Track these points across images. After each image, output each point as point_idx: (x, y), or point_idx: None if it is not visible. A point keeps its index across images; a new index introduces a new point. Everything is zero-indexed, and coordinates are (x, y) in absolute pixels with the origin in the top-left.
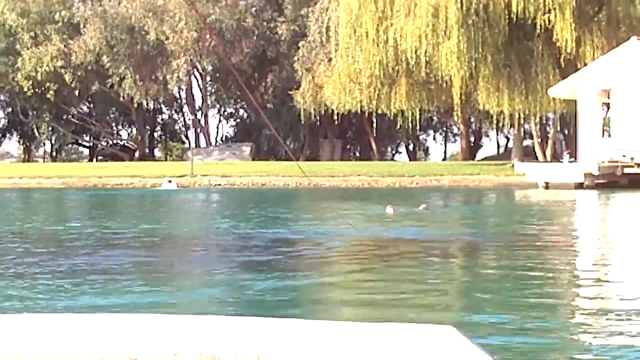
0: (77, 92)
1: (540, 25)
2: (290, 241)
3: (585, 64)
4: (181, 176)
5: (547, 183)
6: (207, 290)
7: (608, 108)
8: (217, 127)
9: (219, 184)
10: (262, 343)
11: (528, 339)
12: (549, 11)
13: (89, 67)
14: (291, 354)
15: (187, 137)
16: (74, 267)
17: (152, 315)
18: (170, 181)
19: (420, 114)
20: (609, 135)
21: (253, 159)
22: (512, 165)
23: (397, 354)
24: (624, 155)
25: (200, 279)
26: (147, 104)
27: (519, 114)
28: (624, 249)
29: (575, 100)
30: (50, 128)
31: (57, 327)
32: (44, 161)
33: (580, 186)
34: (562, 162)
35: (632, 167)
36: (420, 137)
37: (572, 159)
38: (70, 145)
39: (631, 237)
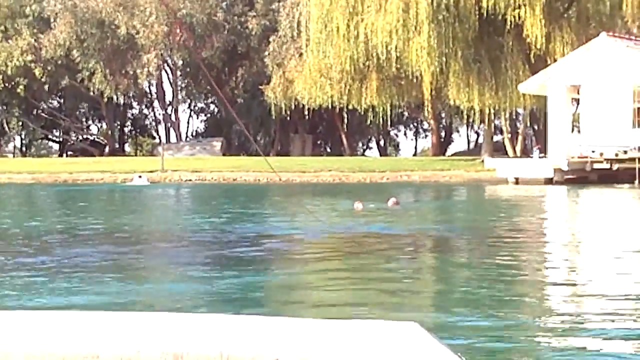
0: (47, 87)
1: (511, 21)
2: (257, 237)
3: (555, 60)
4: (152, 171)
5: (517, 178)
6: (173, 285)
7: (578, 104)
8: (188, 122)
9: (190, 179)
10: (225, 340)
11: (493, 337)
12: (519, 7)
13: (59, 62)
14: (255, 351)
15: (157, 132)
16: (44, 262)
17: (114, 312)
18: (140, 177)
19: (390, 110)
20: (579, 131)
21: (224, 154)
22: (482, 161)
23: (362, 351)
24: (593, 151)
25: (166, 273)
26: (117, 98)
27: (489, 110)
28: (591, 245)
29: (545, 96)
30: (20, 123)
31: (15, 324)
32: (14, 156)
33: (549, 181)
34: (532, 157)
35: (602, 162)
36: (391, 133)
37: (542, 155)
38: (40, 141)
39: (597, 232)
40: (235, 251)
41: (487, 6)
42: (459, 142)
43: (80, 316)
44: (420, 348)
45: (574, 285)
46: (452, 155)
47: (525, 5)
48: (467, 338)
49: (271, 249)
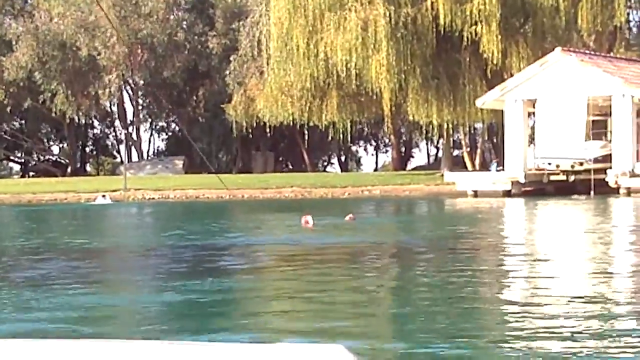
0: (9, 109)
1: (468, 38)
2: (205, 251)
3: (512, 75)
4: (114, 190)
5: (475, 191)
6: (123, 297)
7: (534, 117)
8: (149, 141)
9: (153, 198)
10: None
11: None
12: (476, 23)
13: (21, 84)
14: None
15: (118, 151)
16: (12, 278)
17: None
18: (104, 196)
19: (351, 126)
20: (535, 144)
21: (186, 172)
22: (442, 175)
23: None
24: (549, 163)
25: (123, 286)
26: (79, 119)
27: (448, 125)
28: (545, 257)
29: (502, 110)
30: None
31: None
32: None
33: (507, 194)
34: (490, 170)
35: (558, 174)
36: (352, 148)
37: (500, 168)
38: (0, 162)
39: (552, 243)
40: (185, 265)
41: (444, 23)
42: (420, 156)
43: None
44: None
45: (524, 300)
46: (412, 169)
47: (481, 22)
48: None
49: (215, 261)
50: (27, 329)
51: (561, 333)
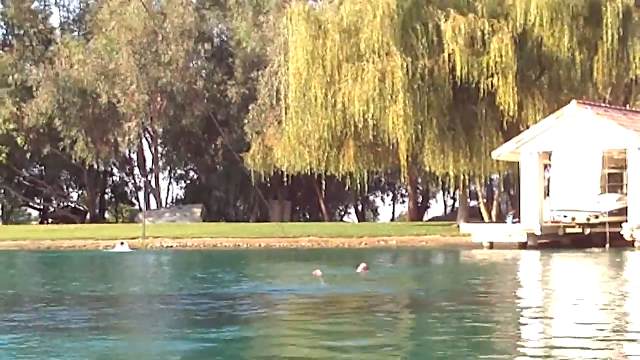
0: (28, 155)
1: (484, 89)
2: (224, 299)
3: (528, 127)
4: (133, 238)
5: (491, 243)
6: (146, 342)
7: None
8: (168, 189)
9: (171, 246)
10: None
11: None
12: (492, 75)
13: (41, 130)
14: None
15: (137, 198)
16: (34, 323)
17: None
18: (122, 243)
19: (368, 176)
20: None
21: (204, 220)
22: (458, 226)
23: None
24: (565, 216)
25: (143, 332)
26: (98, 166)
27: (464, 176)
28: (560, 309)
29: (518, 162)
30: (1, 190)
31: None
32: None
33: (523, 246)
34: (506, 222)
35: (574, 227)
36: (369, 198)
37: (516, 220)
38: (19, 208)
39: (566, 295)
40: (201, 313)
41: (461, 75)
42: (436, 207)
43: None
44: None
45: (543, 349)
46: (429, 220)
47: (497, 74)
48: None
49: (231, 310)
50: None
51: None
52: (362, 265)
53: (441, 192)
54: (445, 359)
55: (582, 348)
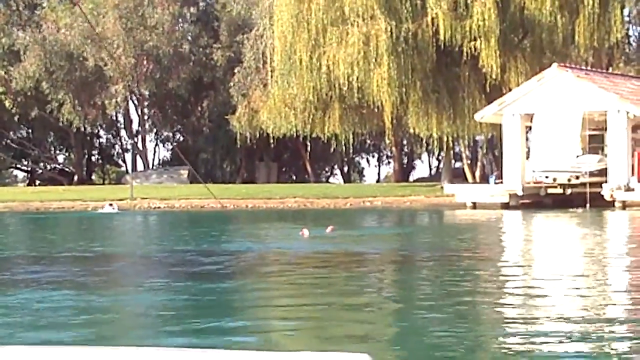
0: (16, 118)
1: (467, 53)
2: (211, 256)
3: (510, 89)
4: (121, 199)
5: (474, 203)
6: (134, 296)
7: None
8: (155, 151)
9: (159, 207)
10: None
11: None
12: (475, 39)
13: (29, 93)
14: None
15: (124, 160)
16: (28, 279)
17: (70, 347)
18: (111, 204)
19: (353, 137)
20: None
21: (191, 182)
22: (442, 187)
23: None
24: (546, 177)
25: (132, 286)
26: (85, 128)
27: (448, 138)
28: (538, 267)
29: (501, 124)
30: None
31: None
32: None
33: (506, 206)
34: (489, 183)
35: (555, 187)
36: (355, 160)
37: (499, 180)
38: (6, 170)
39: (545, 253)
40: (190, 269)
41: (445, 38)
42: (422, 168)
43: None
44: None
45: (526, 308)
46: (414, 181)
47: (480, 37)
48: None
49: (223, 266)
50: (26, 328)
51: (555, 350)
52: (330, 227)
53: (426, 153)
54: (428, 308)
55: (562, 297)
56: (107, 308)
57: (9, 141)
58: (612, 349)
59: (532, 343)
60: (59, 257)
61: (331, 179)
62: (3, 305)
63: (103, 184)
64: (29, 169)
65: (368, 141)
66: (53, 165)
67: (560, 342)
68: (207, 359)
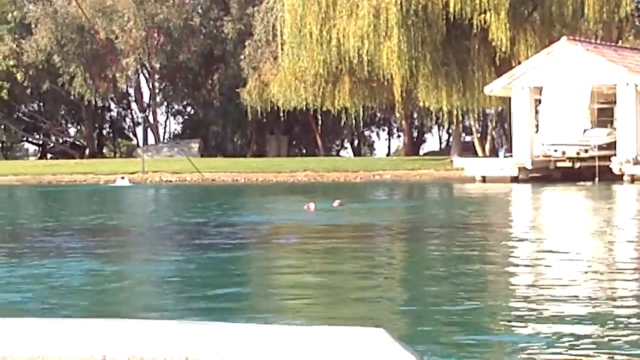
0: (28, 91)
1: (477, 25)
2: (221, 229)
3: (520, 63)
4: (133, 173)
5: (483, 177)
6: (147, 266)
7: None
8: (165, 124)
9: (170, 180)
10: (191, 345)
11: (462, 340)
12: (485, 12)
13: (41, 66)
14: (220, 357)
15: (135, 134)
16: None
17: (81, 319)
18: (123, 178)
19: (363, 111)
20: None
21: (202, 156)
22: (451, 161)
23: (327, 358)
24: (555, 150)
25: (139, 258)
26: (96, 101)
27: (457, 111)
28: (548, 234)
29: (510, 97)
30: (1, 126)
31: None
32: None
33: (515, 180)
34: (498, 157)
35: (564, 161)
36: (365, 133)
37: (508, 154)
38: (18, 143)
39: (554, 226)
40: (200, 241)
41: (454, 11)
42: (432, 142)
43: (45, 323)
44: (387, 356)
45: (537, 281)
46: (424, 154)
47: (490, 10)
48: (432, 339)
49: (232, 238)
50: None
51: (564, 320)
52: (337, 200)
53: (436, 127)
54: (439, 280)
55: (569, 269)
56: (121, 276)
57: (20, 114)
58: (618, 324)
59: (541, 314)
60: (75, 229)
61: (341, 153)
62: (23, 275)
63: (114, 157)
64: (41, 142)
65: (378, 114)
66: (64, 139)
67: (570, 314)
68: (220, 332)
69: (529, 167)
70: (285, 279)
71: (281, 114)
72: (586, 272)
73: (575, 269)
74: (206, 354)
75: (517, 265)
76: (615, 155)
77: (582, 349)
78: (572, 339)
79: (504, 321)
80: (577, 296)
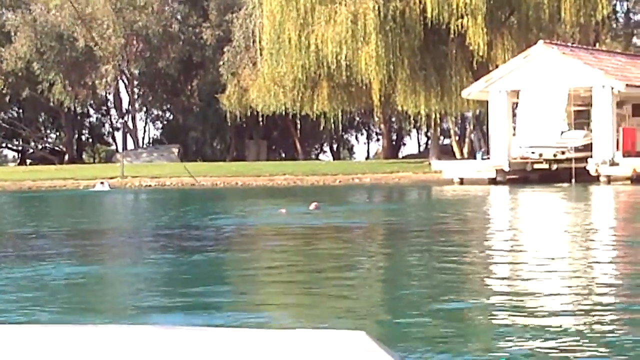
0: (7, 98)
1: (454, 30)
2: (195, 232)
3: (497, 66)
4: (112, 178)
5: (461, 179)
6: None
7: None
8: (145, 130)
9: (150, 185)
10: (168, 353)
11: (444, 346)
12: (462, 17)
13: (20, 74)
14: None
15: (114, 139)
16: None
17: (70, 326)
18: (102, 183)
19: (342, 115)
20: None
21: (181, 160)
22: (430, 163)
23: None
24: (533, 152)
25: (127, 258)
26: (76, 108)
27: (435, 115)
28: (526, 235)
29: (488, 101)
30: None
31: None
32: None
33: (492, 182)
34: (476, 159)
35: (541, 163)
36: (344, 137)
37: (486, 157)
38: None
39: (528, 227)
40: (179, 244)
41: (432, 16)
42: (411, 145)
43: (33, 330)
44: (368, 359)
45: (514, 281)
46: (403, 157)
47: (467, 15)
48: (412, 341)
49: (211, 241)
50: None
51: (544, 321)
52: (314, 203)
53: (415, 130)
54: (418, 282)
55: (547, 269)
56: (102, 279)
57: (0, 121)
58: (598, 322)
59: (521, 315)
60: (57, 233)
61: (320, 156)
62: (7, 279)
63: (93, 162)
64: (20, 148)
65: (357, 118)
66: (44, 145)
67: (549, 313)
68: (197, 336)
69: (507, 169)
70: (259, 281)
71: (260, 119)
72: (565, 273)
73: (553, 270)
74: None
75: (497, 267)
76: (591, 157)
77: (565, 343)
78: (555, 334)
79: (484, 320)
80: (557, 293)
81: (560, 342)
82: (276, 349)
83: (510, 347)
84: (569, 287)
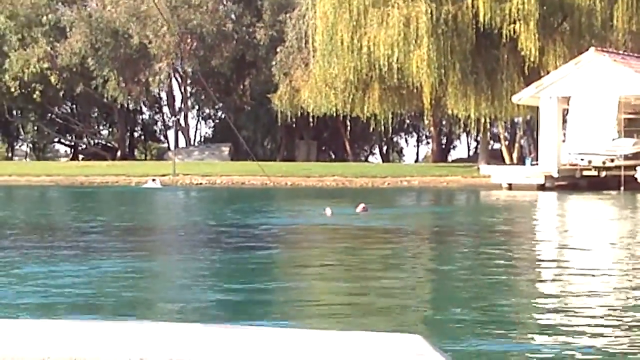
0: (61, 93)
1: (506, 35)
2: (246, 230)
3: (548, 72)
4: (164, 175)
5: (510, 184)
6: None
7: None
8: (196, 128)
9: (200, 183)
10: (216, 351)
11: (493, 345)
12: (515, 22)
13: (74, 69)
14: None
15: (166, 137)
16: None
17: (117, 322)
18: (154, 180)
19: (392, 118)
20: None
21: (232, 159)
22: (479, 168)
23: None
24: (582, 159)
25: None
26: (129, 104)
27: (485, 119)
28: (574, 242)
29: (538, 107)
30: (35, 127)
31: None
32: (26, 159)
33: (541, 187)
34: (525, 165)
35: (590, 170)
36: (394, 140)
37: (535, 162)
38: (51, 144)
39: (578, 233)
40: (227, 240)
41: (484, 21)
42: (460, 149)
43: (80, 325)
44: None
45: (564, 285)
46: (452, 161)
47: (520, 20)
48: (466, 343)
49: (260, 239)
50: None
51: (589, 325)
52: (361, 205)
53: (464, 134)
54: (468, 285)
55: (594, 276)
56: (153, 273)
57: (53, 116)
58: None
59: (567, 319)
60: (109, 229)
61: (370, 159)
62: (58, 272)
63: (145, 159)
64: (73, 143)
65: (407, 121)
66: (96, 141)
67: (593, 316)
68: (257, 337)
69: (555, 175)
70: (311, 283)
71: (311, 120)
72: (610, 280)
73: (599, 276)
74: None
75: (546, 271)
76: None
77: (608, 345)
78: (597, 335)
79: (535, 329)
80: (605, 306)
81: (604, 344)
82: (333, 351)
83: (555, 345)
84: (613, 291)
